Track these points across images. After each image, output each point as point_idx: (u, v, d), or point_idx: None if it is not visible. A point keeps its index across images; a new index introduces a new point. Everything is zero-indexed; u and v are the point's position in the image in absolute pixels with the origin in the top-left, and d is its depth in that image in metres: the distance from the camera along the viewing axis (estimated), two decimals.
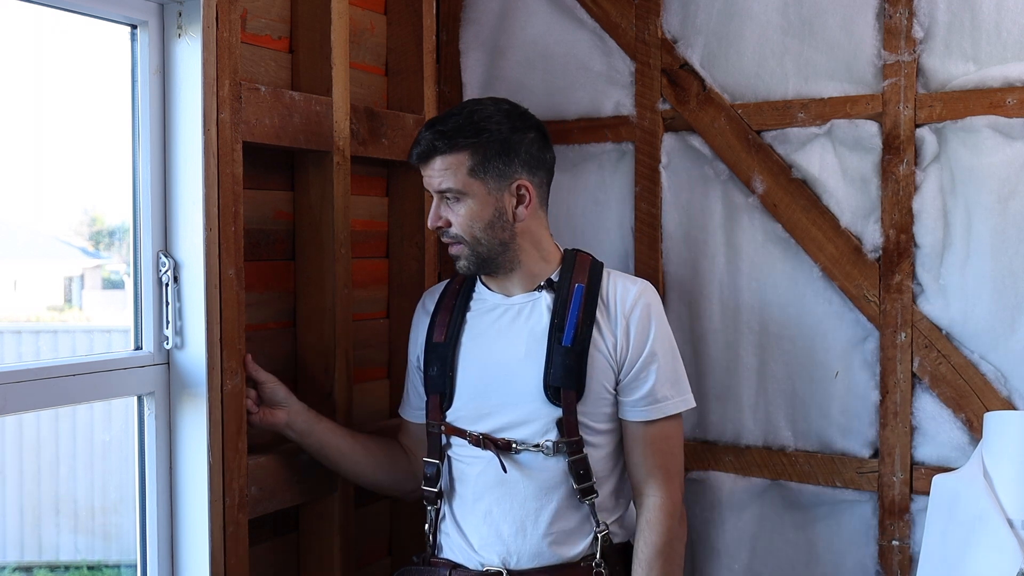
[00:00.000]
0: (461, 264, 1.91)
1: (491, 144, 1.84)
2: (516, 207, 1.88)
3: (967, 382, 1.97)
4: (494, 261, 1.90)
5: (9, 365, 1.62)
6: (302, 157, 2.11)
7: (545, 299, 1.90)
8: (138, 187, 1.86)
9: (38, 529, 3.15)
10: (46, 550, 3.18)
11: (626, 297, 1.89)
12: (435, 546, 1.95)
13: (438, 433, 1.93)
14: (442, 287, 2.04)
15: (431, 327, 1.98)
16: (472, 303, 1.97)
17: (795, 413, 2.16)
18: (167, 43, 1.85)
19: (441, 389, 1.92)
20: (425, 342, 1.98)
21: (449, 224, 1.88)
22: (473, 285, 1.99)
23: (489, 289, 1.96)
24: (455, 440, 1.91)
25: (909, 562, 2.03)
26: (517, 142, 1.87)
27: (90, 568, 3.14)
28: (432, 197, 1.90)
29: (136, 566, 1.89)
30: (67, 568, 3.18)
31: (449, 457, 1.93)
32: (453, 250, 1.91)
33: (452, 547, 1.92)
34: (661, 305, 1.93)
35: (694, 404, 1.93)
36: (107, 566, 3.10)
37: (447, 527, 1.93)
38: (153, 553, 1.87)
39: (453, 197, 1.86)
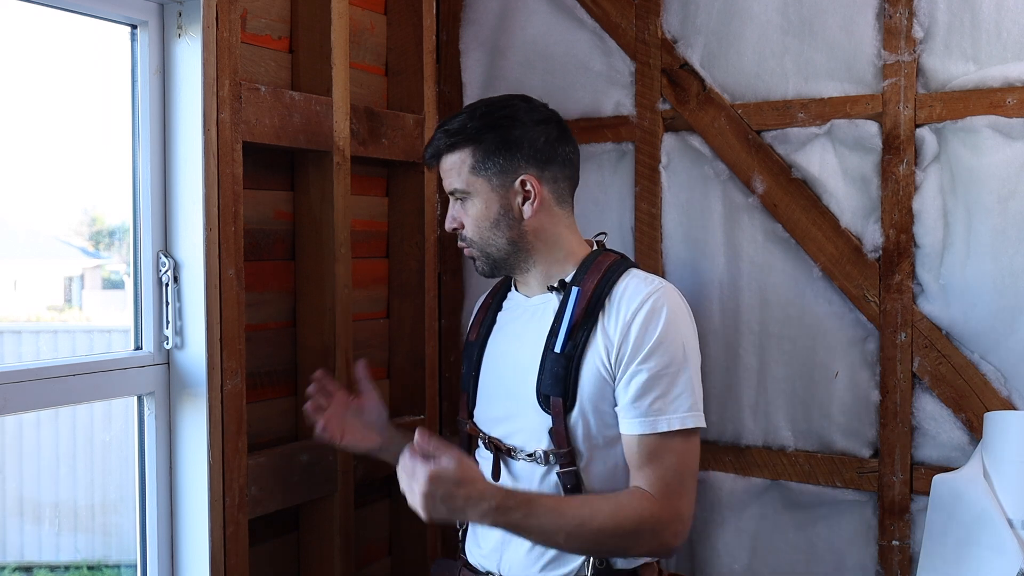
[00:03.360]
0: (477, 266, 1.87)
1: (490, 140, 1.79)
2: (522, 204, 1.80)
3: (967, 382, 1.97)
4: (506, 262, 1.85)
5: (9, 365, 1.63)
6: (302, 157, 2.11)
7: (554, 302, 1.83)
8: (138, 187, 1.86)
9: (38, 529, 3.15)
10: (46, 550, 3.17)
11: (634, 298, 1.74)
12: (463, 542, 1.94)
13: (467, 432, 1.92)
14: (494, 283, 2.02)
15: (471, 325, 1.98)
16: (505, 302, 1.94)
17: (795, 413, 2.16)
18: (167, 43, 1.85)
19: (467, 388, 1.92)
20: (465, 341, 2.00)
21: (463, 226, 1.84)
22: (509, 285, 1.96)
23: (516, 290, 1.94)
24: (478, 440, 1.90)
25: (909, 562, 2.03)
26: (520, 137, 1.79)
27: (90, 568, 3.14)
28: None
29: (136, 566, 1.89)
30: (67, 568, 3.18)
31: (475, 457, 1.91)
32: (468, 252, 1.87)
33: (469, 546, 1.92)
34: (680, 309, 1.75)
35: (703, 424, 1.71)
36: (107, 566, 3.10)
37: (470, 525, 1.92)
38: (153, 553, 1.87)
39: (461, 197, 1.83)
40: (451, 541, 2.37)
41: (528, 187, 1.80)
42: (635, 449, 1.71)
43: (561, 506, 1.67)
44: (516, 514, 1.63)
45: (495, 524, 1.64)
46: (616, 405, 1.73)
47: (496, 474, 1.81)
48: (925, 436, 2.03)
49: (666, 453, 1.69)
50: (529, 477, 1.79)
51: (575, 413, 1.74)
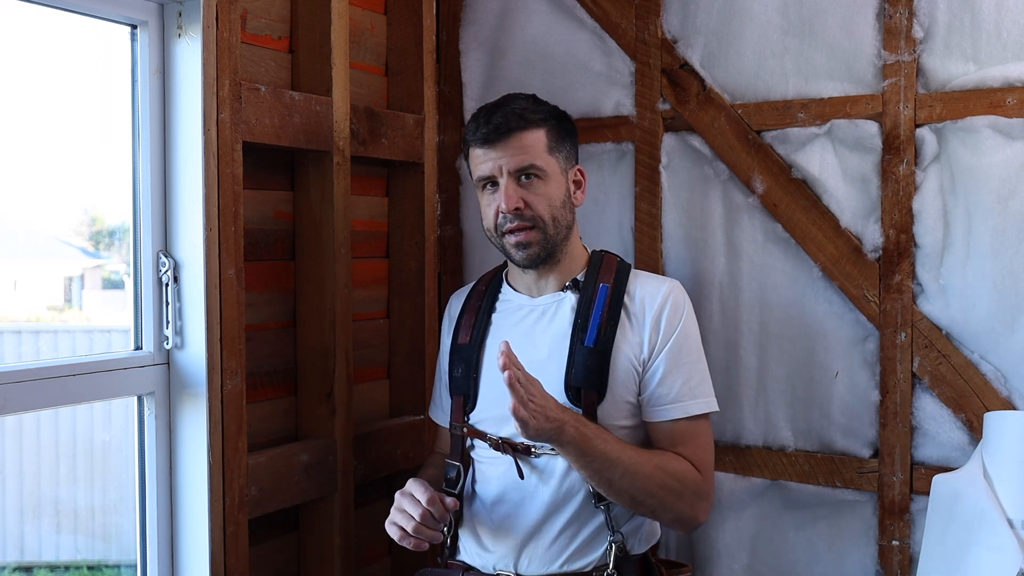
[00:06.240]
0: (530, 252, 1.84)
1: (559, 127, 1.88)
2: (575, 192, 1.91)
3: (967, 382, 1.97)
4: (557, 248, 1.87)
5: (9, 365, 1.63)
6: (302, 157, 2.11)
7: (570, 300, 1.87)
8: (138, 187, 1.86)
9: (38, 529, 3.15)
10: (46, 550, 3.17)
11: (655, 296, 1.84)
12: (453, 548, 1.93)
13: (461, 435, 1.91)
14: (468, 289, 2.03)
15: (456, 329, 1.97)
16: (498, 304, 1.95)
17: (795, 413, 2.16)
18: (167, 43, 1.85)
19: (465, 391, 1.90)
20: (451, 344, 1.97)
21: (527, 205, 1.82)
22: (499, 286, 1.97)
23: (515, 290, 1.95)
24: (478, 443, 1.89)
25: (909, 562, 2.03)
26: (573, 130, 1.93)
27: (90, 568, 3.14)
28: (481, 186, 1.87)
29: (136, 566, 1.89)
30: (67, 568, 3.18)
31: (472, 459, 1.91)
32: (523, 236, 1.82)
33: (468, 550, 1.90)
34: (690, 306, 1.89)
35: (717, 408, 1.87)
36: (107, 566, 3.10)
37: (466, 529, 1.91)
38: (153, 553, 1.87)
39: (533, 176, 1.83)
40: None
41: (578, 177, 1.93)
42: (669, 434, 1.82)
43: (622, 442, 1.77)
44: (592, 438, 1.72)
45: (569, 447, 1.70)
46: (640, 395, 1.83)
47: (520, 472, 1.81)
48: (925, 436, 2.03)
49: (697, 435, 1.83)
50: (551, 472, 1.81)
51: (606, 404, 1.80)
